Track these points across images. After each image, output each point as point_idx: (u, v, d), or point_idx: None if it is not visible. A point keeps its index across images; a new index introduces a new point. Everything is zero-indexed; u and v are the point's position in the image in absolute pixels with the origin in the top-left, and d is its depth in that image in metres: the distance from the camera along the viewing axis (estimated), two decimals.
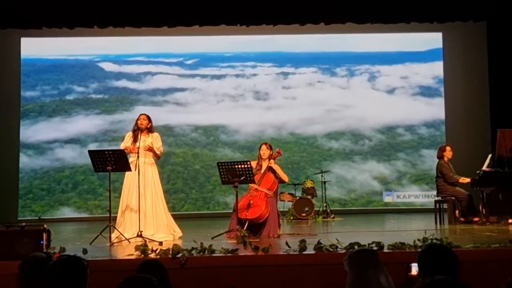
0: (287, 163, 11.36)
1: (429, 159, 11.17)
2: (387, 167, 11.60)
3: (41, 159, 11.30)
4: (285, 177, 7.75)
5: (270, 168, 7.60)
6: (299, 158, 11.63)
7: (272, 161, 7.60)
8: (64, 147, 11.39)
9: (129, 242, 6.65)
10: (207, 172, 11.47)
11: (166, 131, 11.01)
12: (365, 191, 11.51)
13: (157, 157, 7.39)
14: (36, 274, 3.42)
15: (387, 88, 11.74)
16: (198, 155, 11.59)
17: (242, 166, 7.17)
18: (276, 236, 7.23)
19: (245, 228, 7.05)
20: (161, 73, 11.71)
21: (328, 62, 11.77)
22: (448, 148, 9.06)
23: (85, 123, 11.46)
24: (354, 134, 11.66)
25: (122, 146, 7.32)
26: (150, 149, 7.23)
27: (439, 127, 11.57)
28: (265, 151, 7.65)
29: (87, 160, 11.18)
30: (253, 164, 7.53)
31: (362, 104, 11.67)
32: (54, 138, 11.39)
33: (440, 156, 9.05)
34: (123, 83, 11.60)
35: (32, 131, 11.28)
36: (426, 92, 11.72)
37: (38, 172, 11.26)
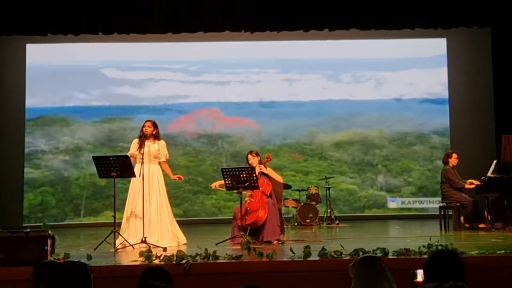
0: (296, 172, 11.35)
1: None
2: (400, 181, 11.54)
3: (36, 172, 11.20)
4: (279, 178, 7.81)
5: (262, 173, 7.62)
6: (306, 169, 11.57)
7: (261, 166, 7.61)
8: (61, 159, 11.32)
9: (133, 248, 6.65)
10: (210, 183, 11.42)
11: (169, 140, 10.96)
12: (379, 207, 11.44)
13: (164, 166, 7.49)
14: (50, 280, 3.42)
15: (394, 95, 11.69)
16: (201, 164, 11.53)
17: (247, 172, 7.19)
18: (279, 241, 7.22)
19: (247, 234, 7.05)
20: (164, 79, 11.62)
21: (333, 69, 11.71)
22: (454, 155, 9.05)
23: (84, 133, 11.42)
24: (363, 143, 11.61)
25: (128, 153, 7.33)
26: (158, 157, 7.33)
27: (448, 134, 11.53)
28: (252, 160, 7.67)
29: (84, 174, 11.30)
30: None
31: (369, 111, 11.65)
32: (51, 148, 11.34)
33: (446, 162, 9.05)
34: (125, 89, 11.50)
35: (28, 142, 11.18)
36: (433, 99, 11.65)
37: (31, 186, 11.15)
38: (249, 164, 7.67)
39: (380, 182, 11.55)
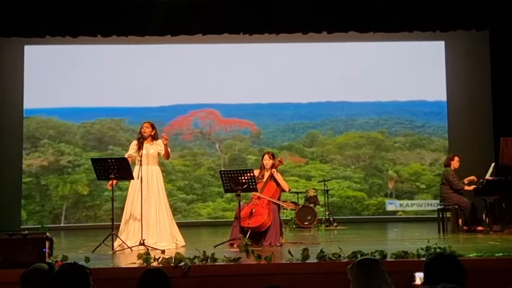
0: (298, 177, 11.30)
1: None
2: (408, 187, 11.49)
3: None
4: (286, 186, 7.79)
5: (272, 177, 7.62)
6: (309, 173, 11.46)
7: (274, 170, 7.62)
8: (41, 164, 11.12)
9: (132, 250, 6.65)
10: (207, 189, 11.36)
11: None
12: (390, 214, 11.41)
13: (166, 157, 7.43)
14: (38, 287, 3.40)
15: (392, 98, 11.66)
16: (197, 169, 11.43)
17: (245, 174, 7.19)
18: (278, 244, 7.23)
19: (247, 236, 7.04)
20: (161, 80, 11.40)
21: (331, 70, 11.57)
22: (456, 158, 9.09)
23: (80, 137, 11.32)
24: (366, 146, 11.57)
25: (126, 154, 7.33)
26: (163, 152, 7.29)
27: (446, 136, 11.55)
28: (267, 161, 7.69)
29: (65, 180, 11.06)
30: (256, 173, 7.54)
31: (368, 114, 11.66)
32: (32, 152, 11.16)
33: (447, 165, 9.09)
34: (122, 91, 11.25)
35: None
36: (432, 101, 11.64)
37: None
38: (264, 165, 7.68)
39: (390, 189, 11.52)
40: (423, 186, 11.45)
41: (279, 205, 7.80)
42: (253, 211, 7.40)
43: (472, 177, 8.73)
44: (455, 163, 9.03)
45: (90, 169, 10.80)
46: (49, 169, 11.17)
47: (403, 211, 11.43)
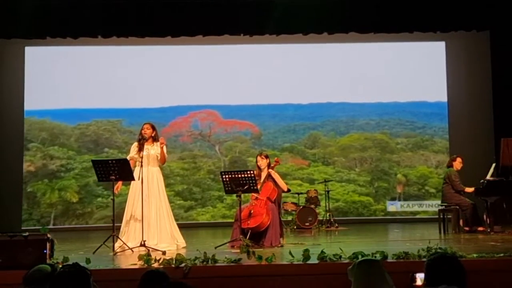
0: (301, 180, 11.26)
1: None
2: (415, 190, 11.48)
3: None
4: (283, 186, 7.77)
5: (269, 177, 7.62)
6: (312, 176, 11.38)
7: (271, 170, 7.62)
8: (29, 169, 11.03)
9: (132, 251, 6.65)
10: (207, 194, 11.31)
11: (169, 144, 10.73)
12: (396, 214, 11.36)
13: (161, 161, 7.39)
14: None
15: (393, 99, 11.65)
16: (196, 172, 11.40)
17: (245, 175, 7.18)
18: (279, 245, 7.22)
19: (247, 238, 7.04)
20: (160, 81, 11.34)
21: (332, 71, 11.58)
22: (459, 159, 9.13)
23: (75, 140, 11.24)
24: (369, 148, 11.55)
25: (128, 157, 7.31)
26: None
27: (447, 137, 11.54)
28: (261, 162, 7.69)
29: (53, 187, 10.89)
30: None
31: (368, 115, 11.65)
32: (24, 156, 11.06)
33: (450, 165, 9.11)
34: (121, 91, 11.19)
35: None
36: (432, 102, 11.63)
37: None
38: (258, 166, 7.68)
39: (398, 193, 11.48)
40: (432, 190, 11.35)
41: (278, 204, 7.80)
42: (252, 211, 7.40)
43: (472, 189, 8.73)
44: (458, 164, 9.07)
45: (80, 174, 10.76)
46: (37, 174, 11.01)
47: (404, 212, 11.41)
